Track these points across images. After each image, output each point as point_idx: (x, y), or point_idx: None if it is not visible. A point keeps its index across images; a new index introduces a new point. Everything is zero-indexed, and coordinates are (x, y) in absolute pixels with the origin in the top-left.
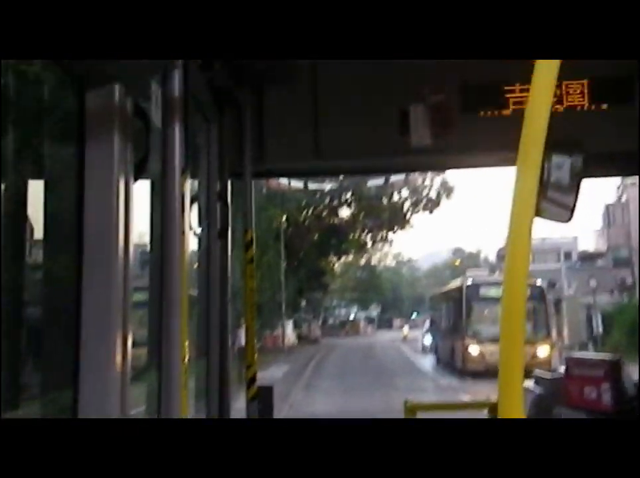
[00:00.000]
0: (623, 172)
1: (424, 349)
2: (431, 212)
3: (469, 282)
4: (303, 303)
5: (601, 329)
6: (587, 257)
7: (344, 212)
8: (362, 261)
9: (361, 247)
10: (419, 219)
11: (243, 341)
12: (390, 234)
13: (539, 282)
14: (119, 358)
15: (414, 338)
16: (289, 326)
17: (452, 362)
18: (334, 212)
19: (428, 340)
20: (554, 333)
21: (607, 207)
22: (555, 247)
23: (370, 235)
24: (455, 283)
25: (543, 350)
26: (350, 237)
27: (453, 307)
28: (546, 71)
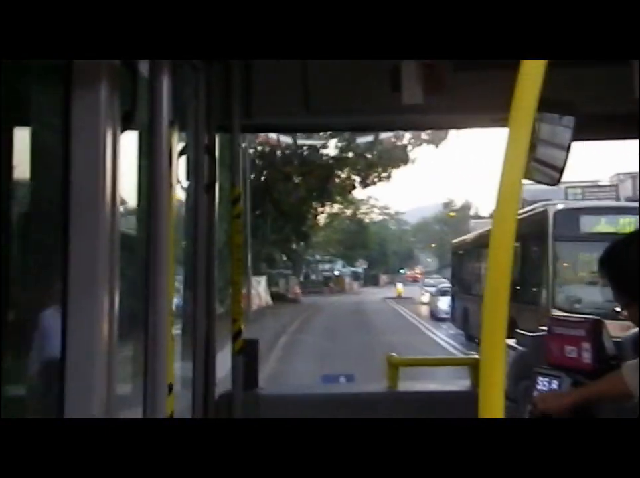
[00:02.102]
0: (621, 135)
1: (434, 315)
2: (436, 146)
3: (560, 206)
4: (280, 256)
5: None
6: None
7: (331, 147)
8: (348, 212)
9: (348, 192)
10: (422, 154)
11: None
12: (384, 175)
13: None
14: (106, 306)
15: (410, 297)
16: (261, 283)
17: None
18: (315, 148)
19: (444, 304)
20: None
21: None
22: (612, 183)
23: (359, 177)
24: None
25: None
26: (337, 179)
27: (519, 253)
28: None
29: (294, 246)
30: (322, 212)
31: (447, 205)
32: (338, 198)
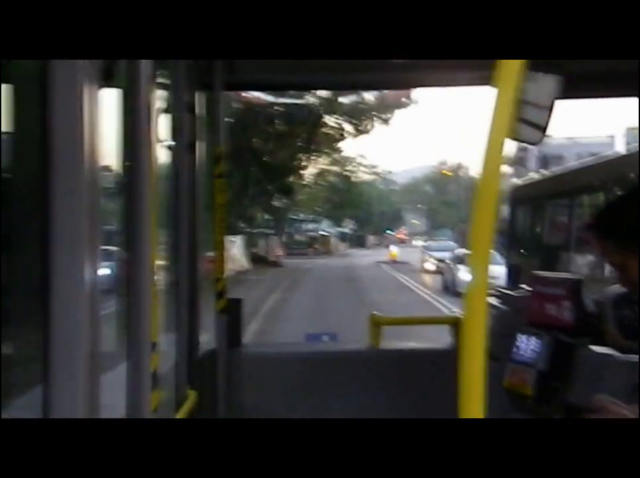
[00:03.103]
0: (620, 92)
1: (450, 289)
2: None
3: None
4: (261, 215)
5: None
6: None
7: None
8: (335, 169)
9: (336, 142)
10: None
11: None
12: (383, 118)
13: None
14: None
15: (406, 262)
16: (236, 243)
17: None
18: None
19: (467, 275)
20: None
21: None
22: None
23: (351, 123)
24: None
25: None
26: (325, 129)
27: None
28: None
29: (276, 204)
30: (307, 166)
31: (440, 165)
32: (325, 150)
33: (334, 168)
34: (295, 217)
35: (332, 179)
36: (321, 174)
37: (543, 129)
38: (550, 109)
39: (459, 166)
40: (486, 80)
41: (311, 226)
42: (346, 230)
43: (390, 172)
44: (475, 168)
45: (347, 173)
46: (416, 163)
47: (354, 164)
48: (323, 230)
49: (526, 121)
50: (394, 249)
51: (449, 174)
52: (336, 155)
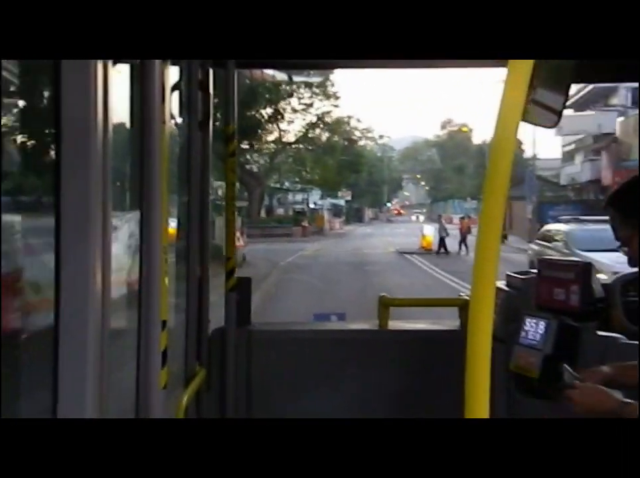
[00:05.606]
0: (620, 77)
1: None
2: None
3: None
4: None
5: None
6: None
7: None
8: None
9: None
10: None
11: None
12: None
13: None
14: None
15: (447, 252)
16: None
17: None
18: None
19: None
20: None
21: None
22: None
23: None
24: None
25: None
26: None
27: None
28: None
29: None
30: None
31: (446, 124)
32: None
33: (327, 120)
34: (277, 186)
35: (325, 136)
36: (313, 126)
37: (559, 112)
38: (566, 91)
39: (464, 125)
40: (499, 62)
41: (298, 196)
42: (341, 203)
43: (387, 136)
44: (483, 131)
45: (344, 128)
46: (417, 127)
47: (349, 127)
48: (314, 203)
49: (540, 103)
50: (427, 231)
51: (466, 130)
52: (328, 108)
